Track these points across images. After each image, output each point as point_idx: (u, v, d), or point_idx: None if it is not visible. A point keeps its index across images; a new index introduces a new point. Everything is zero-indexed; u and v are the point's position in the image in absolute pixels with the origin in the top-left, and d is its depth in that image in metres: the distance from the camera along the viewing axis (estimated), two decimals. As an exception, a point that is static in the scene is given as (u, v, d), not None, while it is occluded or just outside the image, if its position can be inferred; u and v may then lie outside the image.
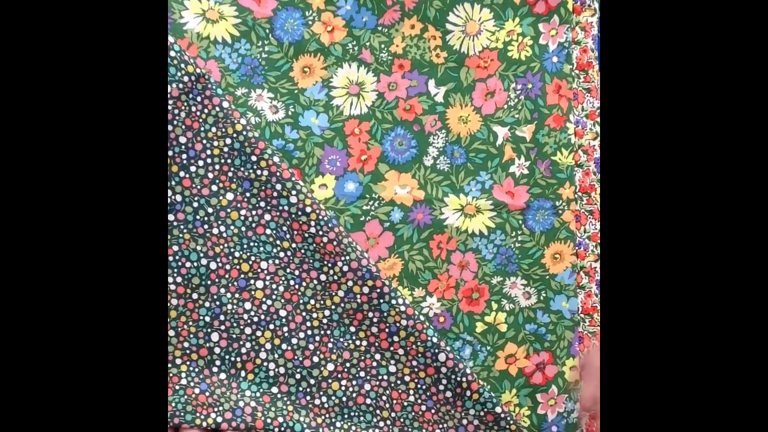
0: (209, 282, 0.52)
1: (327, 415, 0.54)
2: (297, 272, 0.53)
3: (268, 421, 0.52)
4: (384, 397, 0.54)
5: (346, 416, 0.54)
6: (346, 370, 0.54)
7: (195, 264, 0.52)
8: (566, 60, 0.55)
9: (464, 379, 0.53)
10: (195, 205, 0.52)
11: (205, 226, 0.52)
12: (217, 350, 0.52)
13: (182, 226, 0.52)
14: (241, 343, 0.53)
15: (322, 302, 0.54)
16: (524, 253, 0.56)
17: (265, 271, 0.53)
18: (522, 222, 0.56)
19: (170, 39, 0.51)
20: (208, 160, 0.52)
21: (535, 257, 0.56)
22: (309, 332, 0.53)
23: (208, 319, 0.52)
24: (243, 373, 0.53)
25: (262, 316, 0.53)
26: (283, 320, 0.53)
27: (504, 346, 0.56)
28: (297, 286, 0.53)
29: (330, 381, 0.54)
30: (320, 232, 0.52)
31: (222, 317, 0.52)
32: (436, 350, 0.53)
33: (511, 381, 0.56)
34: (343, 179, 0.55)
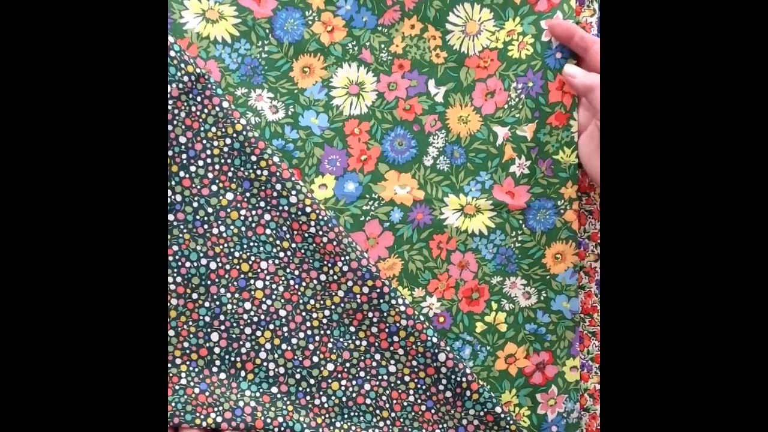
0: (209, 282, 0.52)
1: (327, 415, 0.54)
2: (297, 272, 0.53)
3: (268, 421, 0.52)
4: (384, 397, 0.54)
5: (345, 416, 0.54)
6: (345, 370, 0.54)
7: (195, 264, 0.52)
8: (570, 55, 0.54)
9: (464, 379, 0.53)
10: (195, 205, 0.52)
11: (205, 226, 0.52)
12: (216, 350, 0.52)
13: (182, 226, 0.52)
14: (241, 343, 0.53)
15: (322, 302, 0.54)
16: (524, 253, 0.56)
17: (265, 271, 0.53)
18: (522, 222, 0.56)
19: (170, 39, 0.51)
20: (208, 160, 0.52)
21: (536, 257, 0.56)
22: (309, 332, 0.53)
23: (207, 319, 0.52)
24: (243, 373, 0.53)
25: (262, 316, 0.53)
26: (283, 320, 0.53)
27: (504, 346, 0.56)
28: (297, 286, 0.53)
29: (330, 381, 0.54)
30: (320, 232, 0.52)
31: (222, 317, 0.52)
32: (436, 350, 0.53)
33: (511, 381, 0.56)
34: (343, 179, 0.55)
